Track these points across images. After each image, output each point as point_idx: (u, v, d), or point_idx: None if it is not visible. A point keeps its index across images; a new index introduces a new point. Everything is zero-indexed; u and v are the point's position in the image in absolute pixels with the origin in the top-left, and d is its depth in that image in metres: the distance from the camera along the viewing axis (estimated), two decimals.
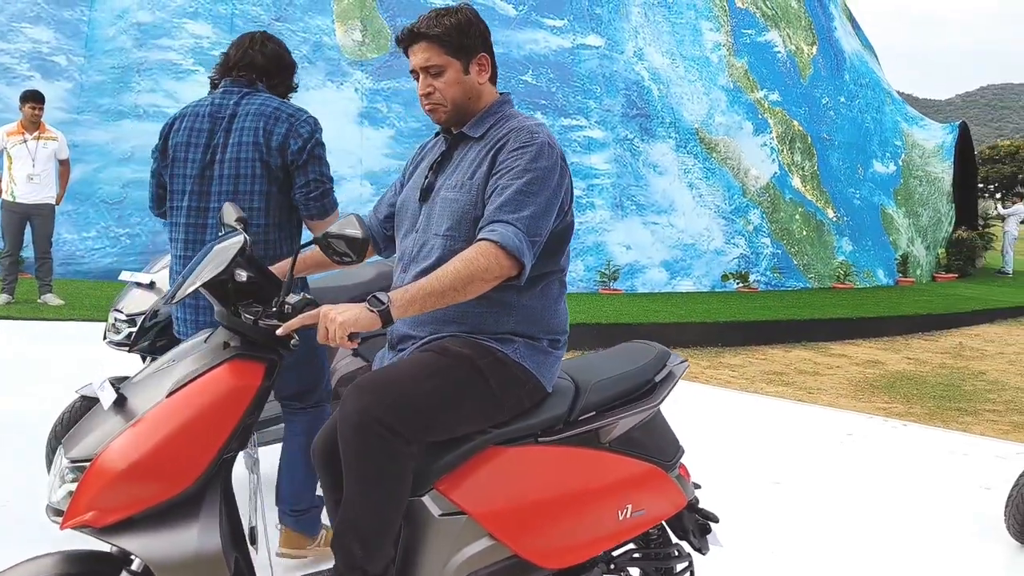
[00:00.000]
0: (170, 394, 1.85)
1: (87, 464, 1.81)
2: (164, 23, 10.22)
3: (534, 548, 2.15)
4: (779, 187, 13.23)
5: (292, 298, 1.89)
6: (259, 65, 2.85)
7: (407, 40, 2.16)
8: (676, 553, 2.49)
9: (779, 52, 14.25)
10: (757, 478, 4.39)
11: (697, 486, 2.58)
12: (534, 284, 2.15)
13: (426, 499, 2.05)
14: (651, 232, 11.73)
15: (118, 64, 10.19)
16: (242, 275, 1.93)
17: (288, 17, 10.49)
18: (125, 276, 3.45)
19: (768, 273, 12.66)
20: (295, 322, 1.83)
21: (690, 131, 12.49)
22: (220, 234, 2.47)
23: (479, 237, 1.99)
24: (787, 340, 9.24)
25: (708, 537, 2.55)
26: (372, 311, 1.83)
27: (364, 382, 1.97)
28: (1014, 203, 18.82)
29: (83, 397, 3.27)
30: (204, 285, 1.90)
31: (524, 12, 11.66)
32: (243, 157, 2.72)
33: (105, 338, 3.39)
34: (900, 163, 16.15)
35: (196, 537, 1.82)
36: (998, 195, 30.99)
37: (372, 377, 2.00)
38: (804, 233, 13.39)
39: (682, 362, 2.50)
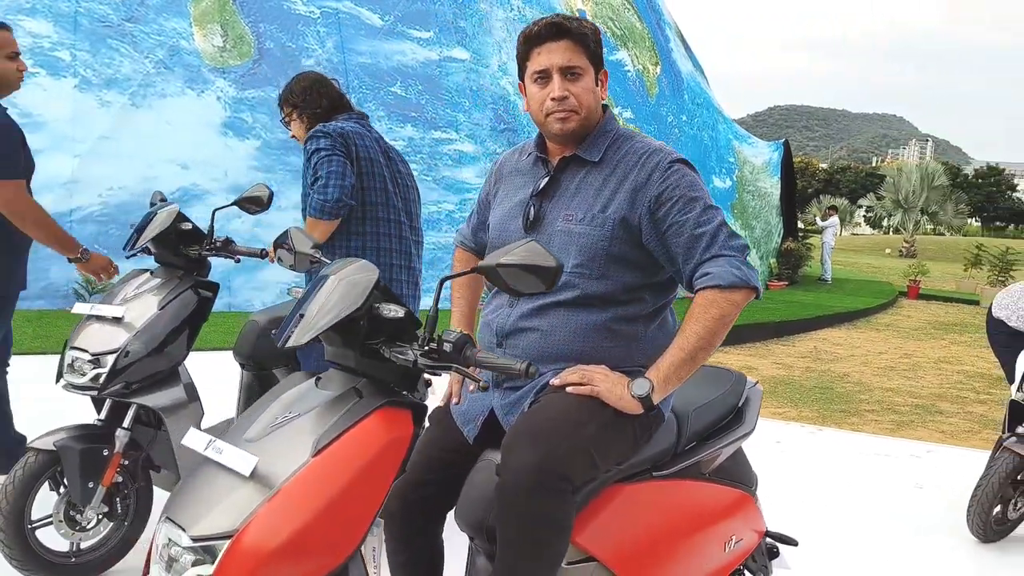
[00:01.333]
0: (316, 453, 1.59)
1: (217, 542, 1.51)
2: None
3: None
4: None
5: (450, 334, 1.67)
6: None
7: (546, 35, 1.96)
8: None
9: (629, 71, 14.77)
10: None
11: None
12: (656, 316, 2.06)
13: None
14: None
15: None
16: (390, 310, 1.69)
17: (140, 18, 9.69)
18: (81, 308, 2.99)
19: None
20: (500, 364, 1.63)
21: None
22: (297, 261, 2.21)
23: (698, 287, 1.91)
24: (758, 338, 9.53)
25: (775, 561, 2.53)
26: (635, 398, 1.83)
27: (526, 433, 1.79)
28: (830, 216, 20.44)
29: (37, 451, 2.80)
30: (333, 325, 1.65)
31: (390, 23, 11.40)
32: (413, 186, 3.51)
33: (60, 380, 2.92)
34: (735, 178, 17.16)
35: None
36: (820, 206, 33.70)
37: (532, 427, 1.81)
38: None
39: (755, 384, 2.46)
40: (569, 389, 1.84)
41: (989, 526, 3.88)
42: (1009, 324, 4.57)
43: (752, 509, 2.35)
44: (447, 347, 1.66)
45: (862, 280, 21.09)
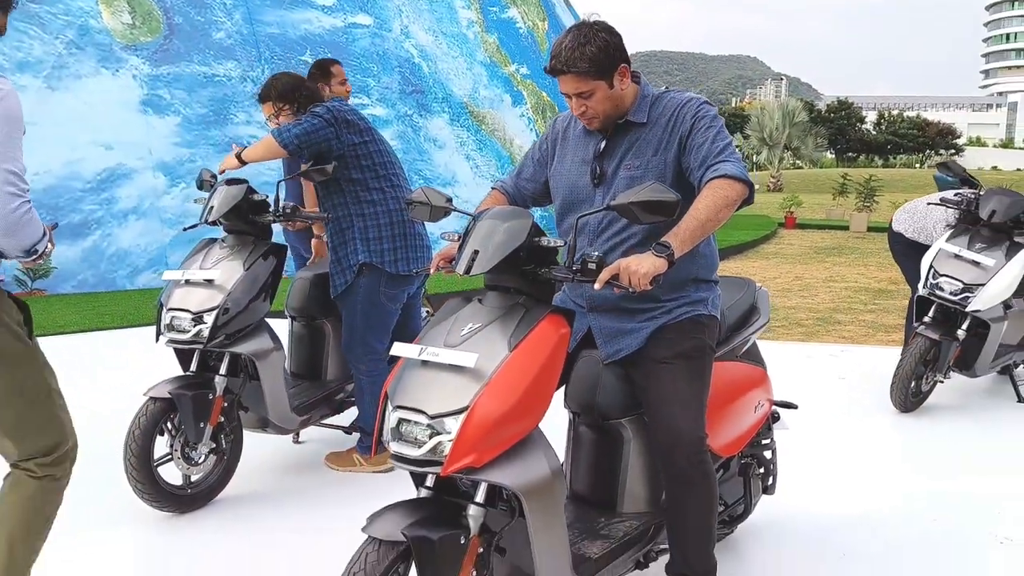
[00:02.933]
0: (512, 349, 2.08)
1: (451, 418, 2.00)
2: None
3: (720, 443, 2.71)
4: None
5: (590, 255, 2.20)
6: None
7: (555, 71, 2.42)
8: (769, 439, 3.17)
9: (520, 28, 15.31)
10: None
11: None
12: None
13: (641, 418, 2.53)
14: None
15: None
16: (548, 241, 2.20)
17: None
18: (172, 275, 3.41)
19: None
20: (606, 275, 2.18)
21: (460, 105, 13.14)
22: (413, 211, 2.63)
23: (708, 178, 2.34)
24: None
25: (777, 424, 3.26)
26: (660, 257, 2.17)
27: (676, 422, 2.39)
28: None
29: (152, 399, 3.24)
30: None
31: None
32: None
33: (160, 338, 3.34)
34: None
35: (545, 461, 2.14)
36: None
37: (676, 410, 2.40)
38: None
39: (761, 287, 3.15)
40: (605, 279, 2.18)
41: (908, 398, 4.80)
42: (906, 236, 5.50)
43: (768, 381, 3.06)
44: (591, 265, 2.19)
45: (742, 215, 22.57)
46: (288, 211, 3.57)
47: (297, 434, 4.18)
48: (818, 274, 11.94)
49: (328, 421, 4.07)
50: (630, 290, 2.17)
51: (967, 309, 4.66)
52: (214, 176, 3.72)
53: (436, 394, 2.06)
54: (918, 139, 73.35)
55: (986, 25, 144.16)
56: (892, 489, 3.76)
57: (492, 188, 2.89)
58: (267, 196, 3.55)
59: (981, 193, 4.97)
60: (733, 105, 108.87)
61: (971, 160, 69.58)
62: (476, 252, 2.18)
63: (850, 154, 71.28)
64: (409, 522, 2.00)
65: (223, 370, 3.38)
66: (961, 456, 4.22)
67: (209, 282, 3.33)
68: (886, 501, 3.61)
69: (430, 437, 2.02)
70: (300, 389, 3.86)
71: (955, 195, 5.10)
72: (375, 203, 3.71)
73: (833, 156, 70.80)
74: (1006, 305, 4.85)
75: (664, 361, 2.46)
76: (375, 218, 3.70)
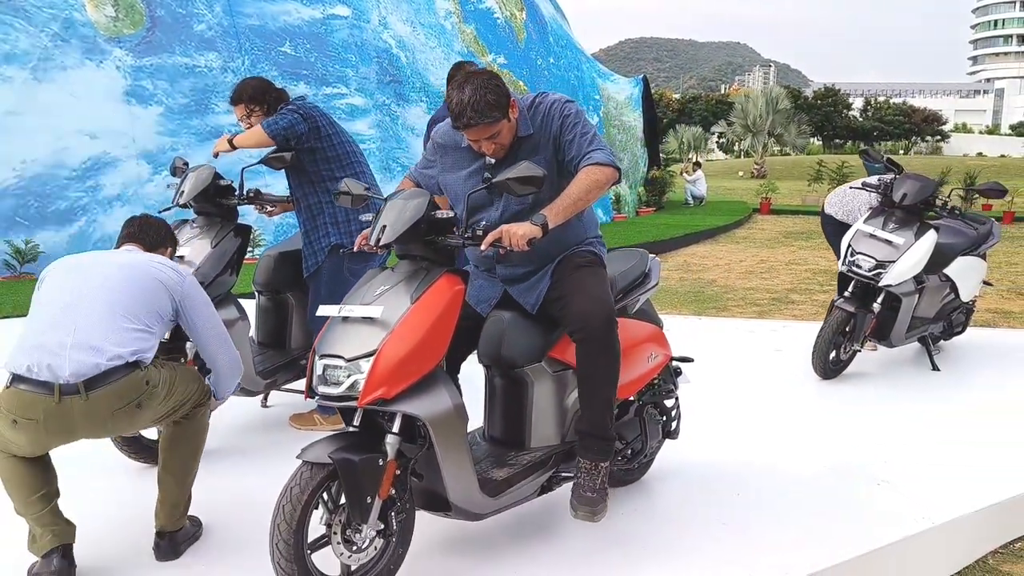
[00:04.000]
0: (413, 302, 2.56)
1: (364, 360, 2.45)
2: None
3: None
4: None
5: (478, 226, 2.73)
6: None
7: (463, 127, 2.78)
8: (671, 388, 3.60)
9: (498, 18, 15.66)
10: None
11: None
12: None
13: (543, 364, 2.99)
14: None
15: None
16: (442, 214, 2.68)
17: None
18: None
19: None
20: (491, 238, 2.65)
21: (438, 95, 13.49)
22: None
23: (583, 166, 2.81)
24: None
25: (680, 377, 3.68)
26: (537, 225, 2.67)
27: (584, 293, 2.88)
28: (696, 171, 22.17)
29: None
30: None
31: None
32: None
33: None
34: (601, 115, 18.44)
35: (448, 398, 2.61)
36: (691, 156, 35.58)
37: (586, 294, 2.88)
38: None
39: (655, 258, 3.59)
40: (489, 241, 2.65)
41: (827, 367, 5.24)
42: (835, 217, 5.95)
43: (661, 337, 3.50)
44: (479, 232, 2.68)
45: (720, 201, 23.04)
46: (252, 194, 3.98)
47: (265, 398, 4.59)
48: (782, 257, 12.40)
49: (291, 386, 4.48)
50: (509, 249, 2.65)
51: (880, 284, 5.10)
52: (185, 163, 4.12)
53: (352, 342, 2.52)
54: (904, 126, 73.89)
55: (974, 11, 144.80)
56: (797, 442, 4.20)
57: (405, 176, 3.33)
58: (232, 181, 3.96)
59: (896, 178, 5.41)
60: (722, 91, 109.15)
61: (956, 146, 70.21)
62: (384, 227, 2.67)
63: (837, 141, 71.75)
64: (335, 448, 2.46)
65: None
66: (866, 416, 4.66)
67: (180, 258, 3.73)
68: (789, 452, 4.05)
69: (348, 377, 2.49)
70: (266, 356, 4.27)
71: (876, 180, 5.54)
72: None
73: (820, 143, 71.26)
74: (918, 281, 5.29)
75: (569, 275, 2.96)
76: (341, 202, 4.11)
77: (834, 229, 5.96)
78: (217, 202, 3.92)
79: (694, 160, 26.01)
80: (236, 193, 3.97)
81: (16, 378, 2.64)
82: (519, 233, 2.63)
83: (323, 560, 2.55)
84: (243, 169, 4.01)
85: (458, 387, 2.94)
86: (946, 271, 5.59)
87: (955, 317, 5.89)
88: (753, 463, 3.89)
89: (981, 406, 4.83)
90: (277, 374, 4.21)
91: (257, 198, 4.00)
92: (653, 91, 25.01)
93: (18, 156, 9.43)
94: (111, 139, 10.04)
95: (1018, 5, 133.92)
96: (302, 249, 4.20)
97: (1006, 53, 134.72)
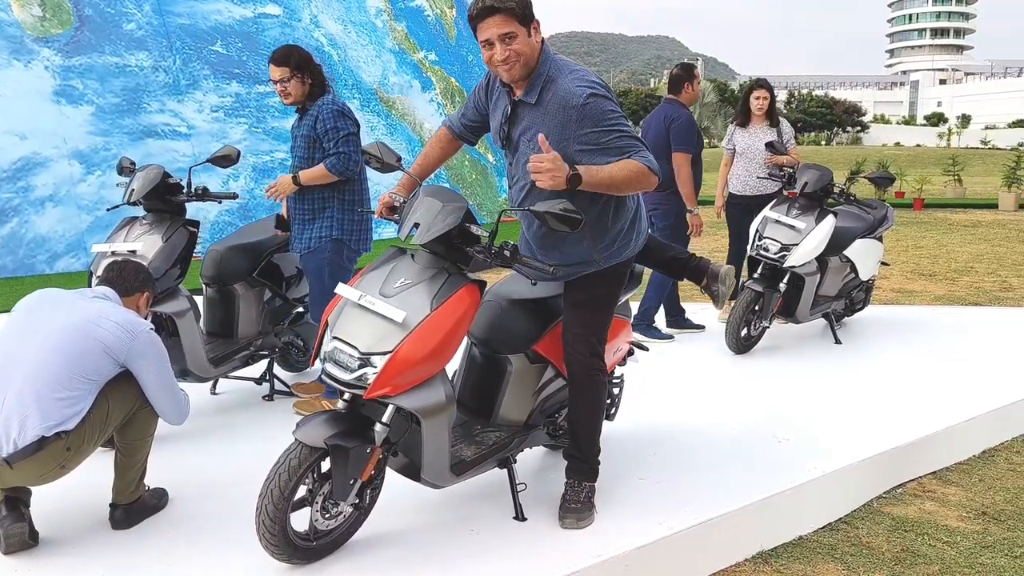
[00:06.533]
0: (433, 309, 2.66)
1: (378, 355, 2.60)
2: None
3: None
4: None
5: (506, 244, 2.76)
6: None
7: (482, 15, 2.70)
8: (620, 377, 3.89)
9: (428, 16, 15.90)
10: None
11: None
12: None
13: (524, 355, 3.23)
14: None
15: None
16: (476, 229, 2.76)
17: None
18: (100, 248, 4.02)
19: None
20: (535, 266, 2.82)
21: (370, 91, 13.71)
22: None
23: (633, 159, 2.73)
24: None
25: (629, 358, 3.98)
26: (570, 173, 2.65)
27: (581, 343, 3.10)
28: None
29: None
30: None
31: None
32: None
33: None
34: None
35: (443, 392, 2.75)
36: None
37: (581, 339, 3.09)
38: (473, 177, 15.39)
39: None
40: (532, 173, 2.66)
41: (739, 343, 5.69)
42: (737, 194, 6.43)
43: (627, 329, 3.74)
44: (506, 252, 2.74)
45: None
46: (200, 192, 4.21)
47: (214, 384, 4.82)
48: (707, 246, 12.95)
49: (239, 373, 4.72)
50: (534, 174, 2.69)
51: (784, 265, 5.57)
52: (133, 163, 4.33)
53: (368, 334, 2.66)
54: (826, 117, 76.18)
55: (890, 6, 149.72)
56: (709, 408, 4.62)
57: (442, 125, 3.35)
58: (180, 179, 4.18)
59: (798, 168, 5.89)
60: (652, 85, 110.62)
61: (875, 137, 72.61)
62: (416, 225, 2.77)
63: None
64: (330, 433, 2.65)
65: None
66: (771, 384, 5.11)
67: (132, 252, 3.95)
68: (701, 417, 4.46)
69: (359, 367, 2.64)
70: (214, 345, 4.50)
71: (780, 169, 6.03)
72: (352, 191, 4.33)
73: None
74: (820, 262, 5.78)
75: (577, 304, 3.13)
76: (351, 205, 4.32)
77: (739, 212, 6.48)
78: (166, 199, 4.14)
79: None
80: (184, 190, 4.19)
81: None
82: (548, 172, 2.62)
83: (295, 517, 2.81)
84: (191, 168, 4.23)
85: None
86: (846, 253, 6.09)
87: (856, 295, 6.40)
88: (670, 426, 4.29)
89: (874, 374, 5.33)
90: (226, 362, 4.44)
91: (205, 195, 4.23)
92: None
93: None
94: (41, 139, 10.01)
95: (930, 0, 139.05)
96: (292, 230, 4.35)
97: (920, 46, 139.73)
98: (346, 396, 2.78)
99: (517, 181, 3.09)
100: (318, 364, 2.87)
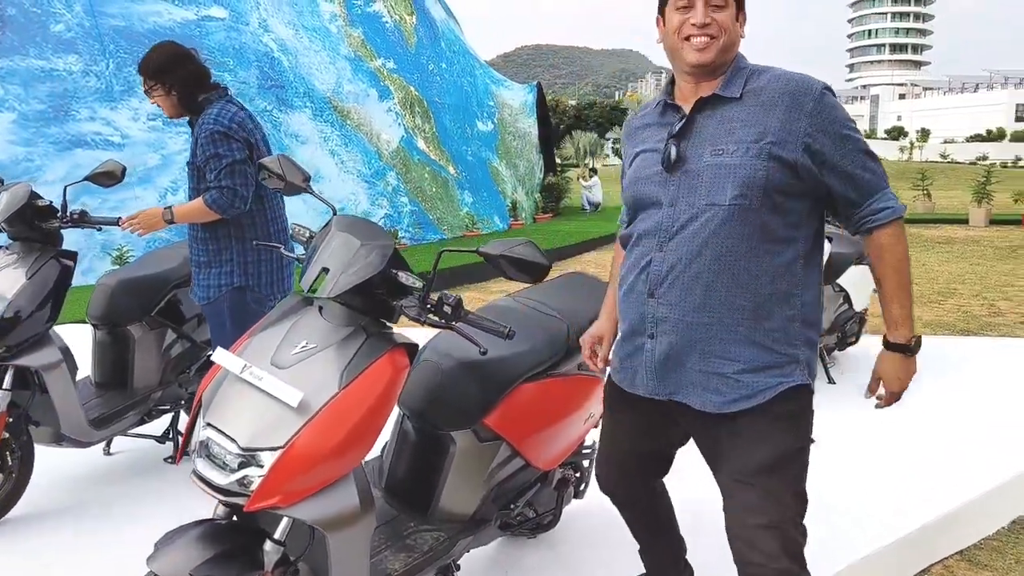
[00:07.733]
0: (343, 387, 1.91)
1: (265, 451, 1.84)
2: None
3: (541, 458, 2.70)
4: (408, 149, 14.29)
5: (448, 296, 2.02)
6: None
7: None
8: (592, 444, 3.04)
9: (387, 22, 15.19)
10: None
11: None
12: (809, 263, 2.08)
13: (471, 432, 2.50)
14: (303, 200, 12.03)
15: None
16: (407, 278, 2.00)
17: None
18: None
19: (411, 229, 13.73)
20: (487, 325, 2.01)
21: (323, 100, 12.94)
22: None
23: (881, 222, 1.99)
24: (454, 284, 10.30)
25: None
26: (911, 358, 2.01)
27: (777, 522, 2.02)
28: (592, 177, 22.09)
29: None
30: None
31: None
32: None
33: None
34: (496, 121, 18.18)
35: (356, 494, 1.99)
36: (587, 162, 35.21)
37: (772, 501, 2.02)
38: (434, 190, 14.66)
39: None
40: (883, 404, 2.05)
41: None
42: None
43: (599, 390, 2.76)
44: (446, 308, 1.99)
45: (616, 208, 23.07)
46: (76, 216, 3.44)
47: (108, 444, 4.05)
48: None
49: (139, 431, 3.96)
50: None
51: None
52: (1, 180, 3.56)
53: (252, 421, 1.88)
54: None
55: (850, 21, 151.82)
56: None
57: (616, 241, 2.43)
58: (52, 201, 3.42)
59: None
60: (616, 98, 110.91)
61: None
62: (325, 269, 2.02)
63: None
64: (198, 560, 1.82)
65: (7, 384, 3.23)
66: None
67: None
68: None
69: (239, 467, 1.86)
70: (104, 399, 3.74)
71: None
72: (255, 226, 3.43)
73: None
74: None
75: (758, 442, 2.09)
76: (252, 244, 3.41)
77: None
78: (35, 225, 3.37)
79: (590, 166, 25.95)
80: (59, 215, 3.42)
81: None
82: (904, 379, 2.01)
83: None
84: (66, 187, 3.47)
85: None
86: (839, 281, 5.47)
87: (848, 327, 5.79)
88: None
89: (876, 430, 4.69)
90: (118, 420, 3.68)
91: (83, 219, 3.46)
92: (550, 98, 24.96)
93: None
94: None
95: (889, 16, 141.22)
96: (192, 275, 3.49)
97: (880, 61, 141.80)
98: (219, 510, 2.00)
99: (691, 216, 2.04)
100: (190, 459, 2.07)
